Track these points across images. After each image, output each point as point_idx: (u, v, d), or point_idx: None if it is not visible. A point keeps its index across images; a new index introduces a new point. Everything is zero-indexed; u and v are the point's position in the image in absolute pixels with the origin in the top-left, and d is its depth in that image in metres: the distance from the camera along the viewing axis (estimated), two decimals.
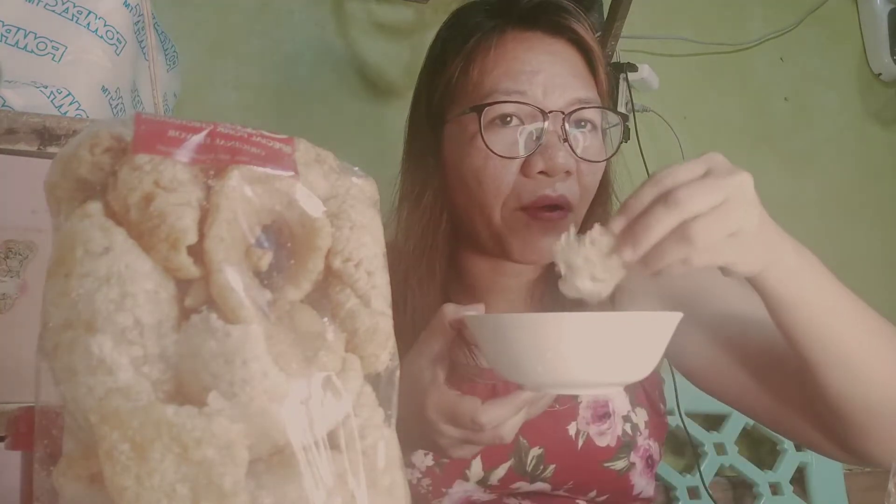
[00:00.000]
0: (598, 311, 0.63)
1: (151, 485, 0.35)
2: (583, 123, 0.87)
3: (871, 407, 0.74)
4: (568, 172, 0.84)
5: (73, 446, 0.38)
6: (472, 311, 0.69)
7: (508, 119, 0.85)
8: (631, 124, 1.68)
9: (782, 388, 0.84)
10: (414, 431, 0.68)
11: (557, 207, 0.84)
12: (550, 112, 0.84)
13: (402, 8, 1.58)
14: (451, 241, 0.92)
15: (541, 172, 0.83)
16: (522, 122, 0.85)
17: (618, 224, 0.62)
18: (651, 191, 0.62)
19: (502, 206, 0.85)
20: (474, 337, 0.67)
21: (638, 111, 1.68)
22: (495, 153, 0.84)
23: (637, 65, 1.67)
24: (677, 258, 0.61)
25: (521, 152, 0.84)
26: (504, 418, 0.66)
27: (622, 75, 1.66)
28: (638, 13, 1.62)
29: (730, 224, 0.61)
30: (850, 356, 0.72)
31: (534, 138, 0.84)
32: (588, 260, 0.62)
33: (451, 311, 0.70)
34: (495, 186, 0.85)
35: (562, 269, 0.64)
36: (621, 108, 1.68)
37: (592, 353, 0.60)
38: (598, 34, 1.65)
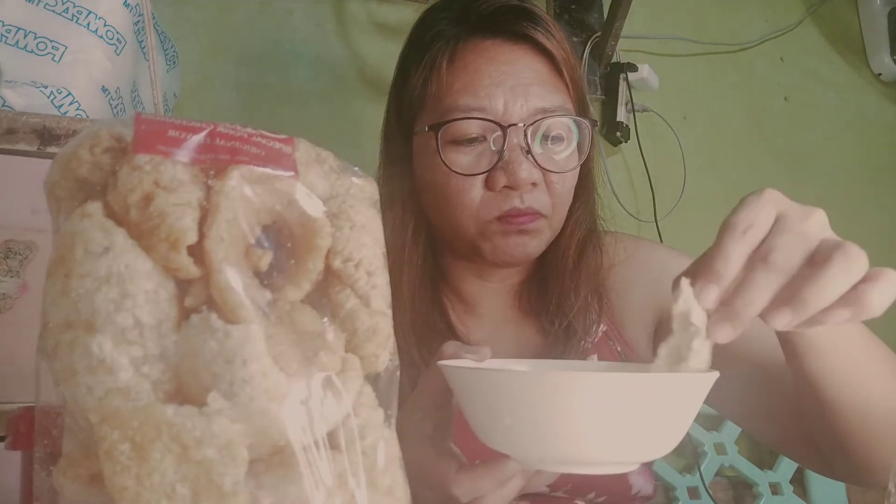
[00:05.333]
0: (608, 364, 0.54)
1: (151, 484, 0.35)
2: (549, 133, 0.85)
3: (879, 431, 0.70)
4: (534, 184, 0.83)
5: (73, 446, 0.38)
6: (474, 356, 0.60)
7: (471, 136, 0.84)
8: (631, 124, 1.69)
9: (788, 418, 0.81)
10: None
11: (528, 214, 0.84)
12: (510, 126, 0.82)
13: (402, 8, 1.58)
14: (426, 246, 0.92)
15: (506, 187, 0.83)
16: (485, 138, 0.84)
17: (710, 295, 0.53)
18: (737, 248, 0.54)
19: (475, 219, 0.85)
20: (454, 391, 0.56)
21: (638, 111, 1.68)
22: (456, 172, 0.84)
23: (637, 65, 1.67)
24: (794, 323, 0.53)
25: (484, 167, 0.83)
26: (481, 492, 0.56)
27: (622, 75, 1.66)
28: (638, 13, 1.62)
29: (840, 286, 0.55)
30: (870, 396, 0.68)
31: (496, 153, 0.83)
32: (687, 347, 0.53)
33: (450, 350, 0.62)
34: (461, 202, 0.85)
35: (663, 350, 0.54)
36: (621, 108, 1.68)
37: (606, 425, 0.48)
38: (597, 35, 1.66)
